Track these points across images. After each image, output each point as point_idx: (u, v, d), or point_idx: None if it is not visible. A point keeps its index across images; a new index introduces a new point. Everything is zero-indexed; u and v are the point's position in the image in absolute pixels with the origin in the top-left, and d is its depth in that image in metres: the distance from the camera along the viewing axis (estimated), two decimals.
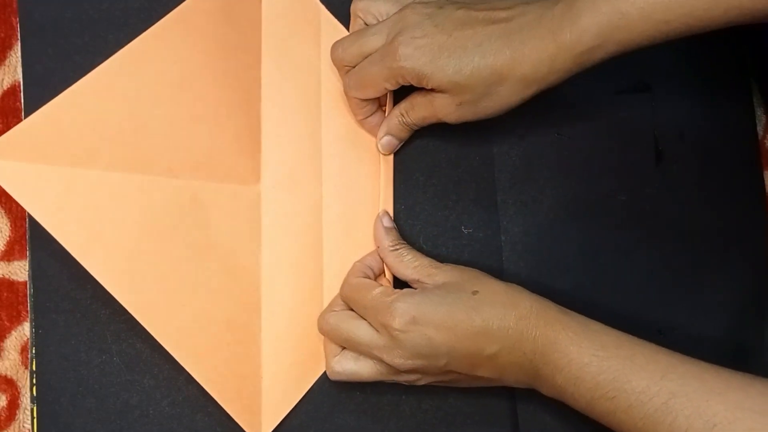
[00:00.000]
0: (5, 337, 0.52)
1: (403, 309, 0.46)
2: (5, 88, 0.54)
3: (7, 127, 0.53)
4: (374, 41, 0.49)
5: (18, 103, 0.53)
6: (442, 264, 0.50)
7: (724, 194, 0.57)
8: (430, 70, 0.47)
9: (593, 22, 0.44)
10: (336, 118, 0.54)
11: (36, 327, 0.50)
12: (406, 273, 0.50)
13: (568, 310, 0.47)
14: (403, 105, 0.52)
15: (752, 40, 0.59)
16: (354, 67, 0.51)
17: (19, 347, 0.52)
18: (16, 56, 0.54)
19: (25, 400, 0.52)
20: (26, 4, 0.52)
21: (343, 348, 0.49)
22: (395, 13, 0.50)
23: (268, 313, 0.52)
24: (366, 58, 0.50)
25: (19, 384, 0.52)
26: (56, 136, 0.49)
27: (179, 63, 0.52)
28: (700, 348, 0.55)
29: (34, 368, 0.50)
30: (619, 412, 0.42)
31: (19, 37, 0.52)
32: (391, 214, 0.54)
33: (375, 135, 0.54)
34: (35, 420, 0.50)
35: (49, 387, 0.50)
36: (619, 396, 0.42)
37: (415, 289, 0.49)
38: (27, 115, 0.51)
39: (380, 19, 0.51)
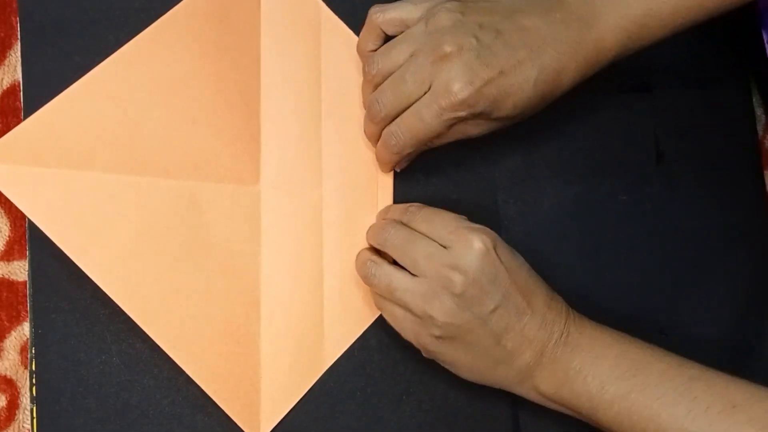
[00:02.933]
0: (5, 337, 0.52)
1: (491, 235, 0.46)
2: (5, 87, 0.54)
3: (7, 127, 0.53)
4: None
5: (18, 103, 0.53)
6: None
7: (724, 194, 0.57)
8: (490, 108, 0.47)
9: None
10: (336, 118, 0.54)
11: (36, 327, 0.50)
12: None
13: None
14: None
15: (752, 40, 0.59)
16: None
17: (19, 347, 0.52)
18: (16, 56, 0.54)
19: (25, 400, 0.52)
20: (26, 4, 0.52)
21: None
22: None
23: (267, 313, 0.52)
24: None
25: (19, 384, 0.52)
26: (53, 139, 0.49)
27: (176, 63, 0.52)
28: (701, 348, 0.55)
29: (33, 368, 0.50)
30: (635, 393, 0.43)
31: (19, 37, 0.52)
32: None
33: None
34: (35, 420, 0.50)
35: (49, 387, 0.50)
36: (639, 375, 0.44)
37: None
38: (27, 114, 0.51)
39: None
